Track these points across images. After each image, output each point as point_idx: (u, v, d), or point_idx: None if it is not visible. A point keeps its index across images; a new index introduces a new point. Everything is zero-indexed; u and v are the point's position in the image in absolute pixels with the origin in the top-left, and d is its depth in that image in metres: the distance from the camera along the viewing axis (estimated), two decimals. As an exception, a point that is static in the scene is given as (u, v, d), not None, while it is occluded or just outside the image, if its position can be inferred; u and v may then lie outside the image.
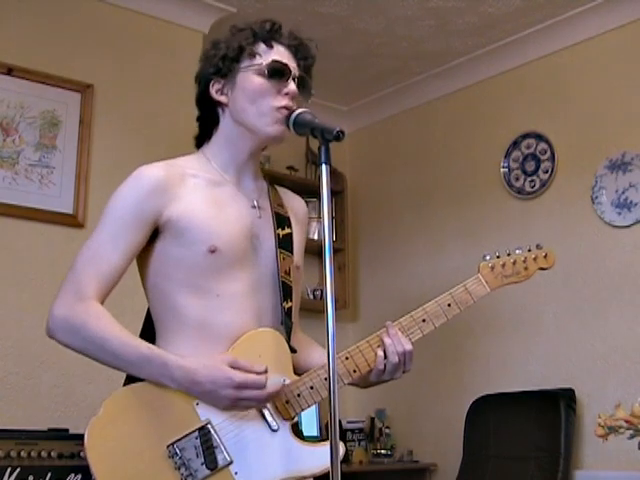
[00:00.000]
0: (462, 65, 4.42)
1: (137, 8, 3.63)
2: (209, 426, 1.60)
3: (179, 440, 1.58)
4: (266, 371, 1.60)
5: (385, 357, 1.70)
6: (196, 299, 1.67)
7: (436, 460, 4.24)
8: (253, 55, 1.74)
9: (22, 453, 2.62)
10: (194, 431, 1.59)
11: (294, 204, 1.92)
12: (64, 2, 3.47)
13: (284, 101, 1.71)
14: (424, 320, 1.74)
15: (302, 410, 1.65)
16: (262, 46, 1.75)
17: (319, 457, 1.62)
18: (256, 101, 1.72)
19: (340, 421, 4.05)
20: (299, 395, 1.65)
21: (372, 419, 4.50)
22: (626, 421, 2.41)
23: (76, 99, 3.39)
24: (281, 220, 1.81)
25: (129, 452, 1.56)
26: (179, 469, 1.56)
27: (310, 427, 4.15)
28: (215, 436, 1.59)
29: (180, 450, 1.57)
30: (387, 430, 4.43)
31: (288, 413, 1.64)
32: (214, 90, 1.77)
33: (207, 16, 3.80)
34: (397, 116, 4.85)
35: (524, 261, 1.86)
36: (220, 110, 1.79)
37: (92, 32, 3.51)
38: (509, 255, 1.85)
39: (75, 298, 1.62)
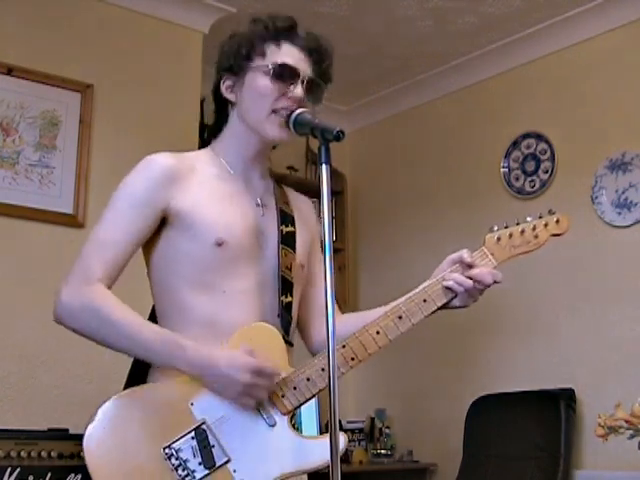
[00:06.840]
0: (462, 65, 4.42)
1: (137, 8, 3.63)
2: (204, 426, 1.59)
3: (175, 441, 1.57)
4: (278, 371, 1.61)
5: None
6: (202, 295, 1.67)
7: (436, 460, 4.23)
8: (263, 54, 1.73)
9: (22, 453, 2.61)
10: (190, 431, 1.58)
11: (300, 205, 1.91)
12: (64, 2, 3.46)
13: (284, 103, 1.70)
14: (425, 300, 1.70)
15: (299, 403, 1.63)
16: (272, 46, 1.73)
17: (322, 450, 1.56)
18: (259, 102, 1.72)
19: (340, 421, 4.05)
20: (295, 388, 1.63)
21: (372, 419, 4.49)
22: (626, 421, 2.41)
23: (76, 99, 3.38)
24: (285, 217, 1.81)
25: (127, 456, 1.56)
26: (176, 470, 1.56)
27: (310, 427, 4.15)
28: (211, 435, 1.59)
29: (176, 451, 1.56)
30: (387, 430, 4.43)
31: (285, 407, 1.62)
32: (224, 87, 1.77)
33: (207, 16, 3.79)
34: (397, 116, 4.84)
35: (534, 229, 1.75)
36: (230, 107, 1.79)
37: (92, 32, 3.50)
38: (518, 224, 1.75)
39: (82, 283, 1.62)
